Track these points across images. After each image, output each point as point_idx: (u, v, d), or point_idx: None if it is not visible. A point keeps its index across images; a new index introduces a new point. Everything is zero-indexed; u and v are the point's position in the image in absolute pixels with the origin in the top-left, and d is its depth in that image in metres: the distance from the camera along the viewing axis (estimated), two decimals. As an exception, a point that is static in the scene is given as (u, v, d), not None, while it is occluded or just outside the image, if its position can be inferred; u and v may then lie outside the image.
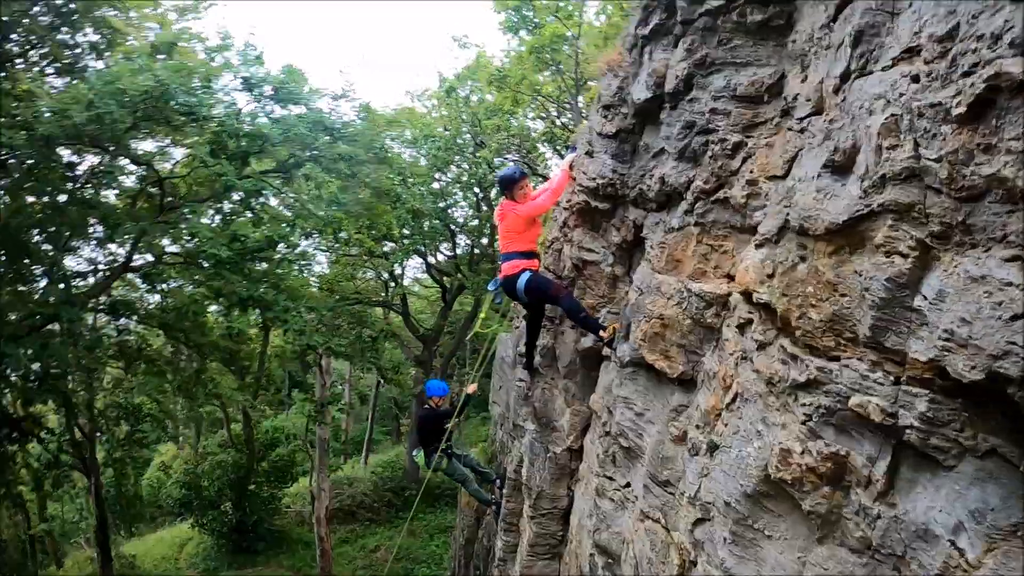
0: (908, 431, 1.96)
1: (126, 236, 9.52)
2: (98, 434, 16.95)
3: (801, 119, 2.86)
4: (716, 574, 2.96)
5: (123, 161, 10.17)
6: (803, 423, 2.36)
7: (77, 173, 10.68)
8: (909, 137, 1.96)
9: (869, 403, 2.05)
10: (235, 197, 9.73)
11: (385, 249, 19.61)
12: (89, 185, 11.01)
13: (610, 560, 4.39)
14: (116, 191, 11.47)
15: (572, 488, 5.86)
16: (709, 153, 3.48)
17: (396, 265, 20.53)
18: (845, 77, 2.47)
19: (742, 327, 2.98)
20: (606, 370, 4.76)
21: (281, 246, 9.77)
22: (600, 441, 4.55)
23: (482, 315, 7.97)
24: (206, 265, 8.79)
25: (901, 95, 2.04)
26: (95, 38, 10.60)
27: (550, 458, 5.69)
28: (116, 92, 7.33)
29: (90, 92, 7.19)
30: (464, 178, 17.72)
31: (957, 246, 1.84)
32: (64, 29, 10.30)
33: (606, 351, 4.84)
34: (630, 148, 4.44)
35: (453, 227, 19.31)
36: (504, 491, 7.04)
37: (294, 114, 9.59)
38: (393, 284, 21.47)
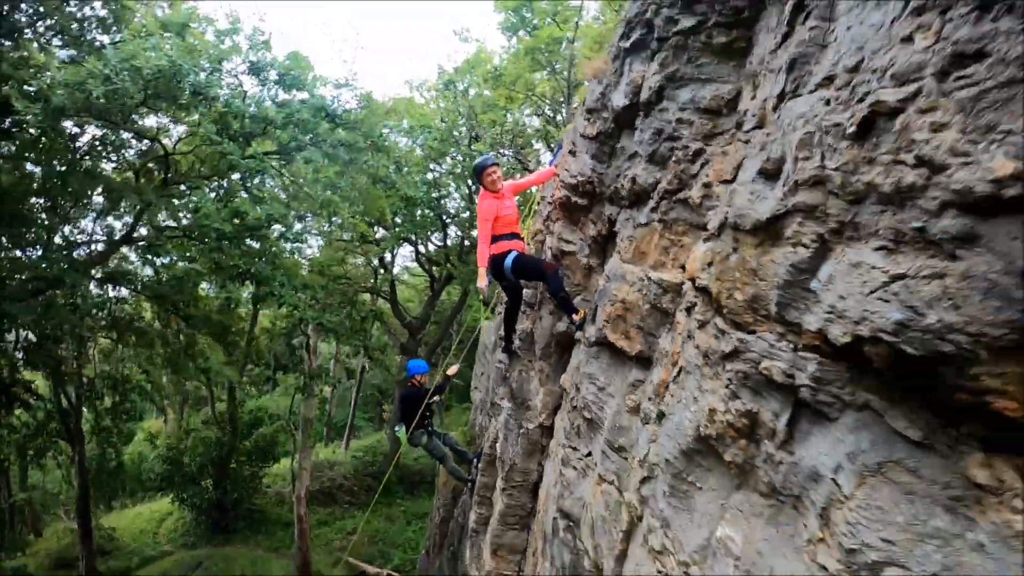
0: (803, 389, 2.40)
1: (127, 209, 9.82)
2: (84, 404, 17.22)
3: (748, 131, 3.30)
4: (656, 524, 3.41)
5: (125, 135, 10.48)
6: (726, 387, 2.80)
7: (79, 144, 10.99)
8: (817, 150, 2.40)
9: (773, 367, 2.49)
10: (235, 176, 10.06)
11: (377, 236, 20.01)
12: (88, 158, 11.32)
13: (571, 523, 4.82)
14: (115, 164, 11.79)
15: (542, 463, 6.30)
16: (674, 158, 3.91)
17: (387, 252, 20.94)
18: (781, 97, 2.91)
19: (689, 310, 3.42)
20: (576, 352, 5.19)
21: (277, 225, 10.18)
22: (568, 416, 4.98)
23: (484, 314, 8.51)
24: (207, 240, 9.16)
25: (816, 115, 2.48)
26: (103, 12, 10.91)
27: (523, 434, 6.12)
28: (132, 69, 7.67)
29: (106, 68, 7.52)
30: (458, 170, 18.17)
31: (847, 239, 2.28)
32: (73, 2, 10.58)
33: (577, 335, 5.27)
34: (608, 150, 4.87)
35: (445, 217, 19.74)
36: (479, 466, 7.47)
37: (297, 99, 9.96)
38: (383, 271, 21.89)
